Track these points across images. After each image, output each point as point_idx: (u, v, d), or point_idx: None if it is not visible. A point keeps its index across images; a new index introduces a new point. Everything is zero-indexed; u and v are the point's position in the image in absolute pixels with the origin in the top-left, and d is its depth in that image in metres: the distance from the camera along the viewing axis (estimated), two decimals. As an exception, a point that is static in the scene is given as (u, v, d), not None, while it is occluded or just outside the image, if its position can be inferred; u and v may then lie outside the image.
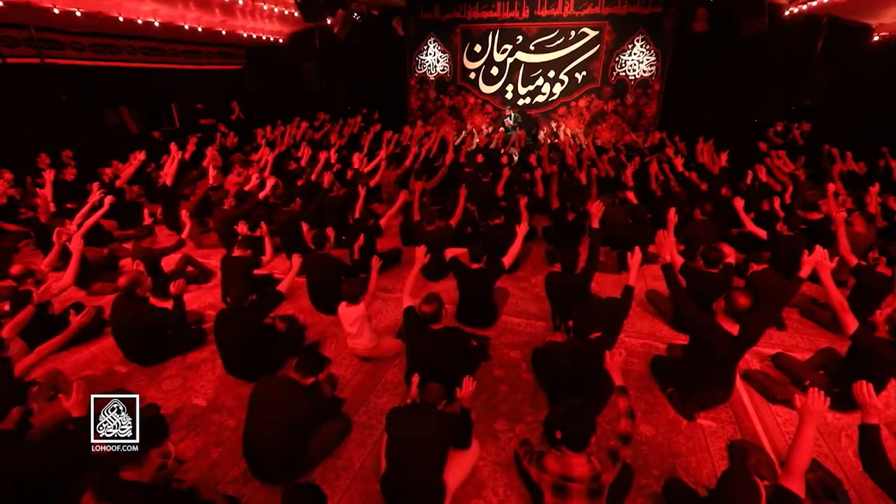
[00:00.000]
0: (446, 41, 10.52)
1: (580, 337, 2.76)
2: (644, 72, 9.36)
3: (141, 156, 6.82)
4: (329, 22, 9.09)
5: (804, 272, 2.88)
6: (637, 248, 3.13)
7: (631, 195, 5.36)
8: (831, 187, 4.97)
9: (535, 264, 5.26)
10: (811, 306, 4.14)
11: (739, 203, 4.58)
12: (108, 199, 4.62)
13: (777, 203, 5.08)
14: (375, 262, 3.42)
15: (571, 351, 2.73)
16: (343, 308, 3.35)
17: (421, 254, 3.30)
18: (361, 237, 4.21)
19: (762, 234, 4.45)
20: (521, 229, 3.94)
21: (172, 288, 3.39)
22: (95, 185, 5.51)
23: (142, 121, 9.76)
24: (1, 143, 6.99)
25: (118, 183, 6.24)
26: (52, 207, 5.10)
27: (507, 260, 3.76)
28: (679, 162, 6.36)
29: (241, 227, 4.24)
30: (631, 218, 5.02)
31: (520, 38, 9.88)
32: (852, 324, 2.70)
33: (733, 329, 2.68)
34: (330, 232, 4.32)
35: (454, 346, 2.86)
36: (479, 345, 3.52)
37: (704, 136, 7.71)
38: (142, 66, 9.32)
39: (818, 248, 2.90)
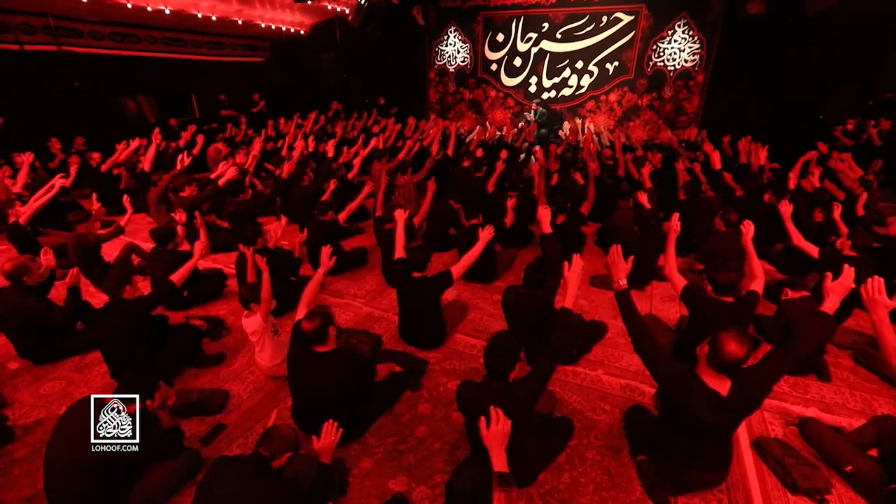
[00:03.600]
0: (467, 30, 9.86)
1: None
2: (686, 61, 8.17)
3: (135, 143, 6.75)
4: (328, 6, 8.71)
5: (828, 305, 1.97)
6: (576, 256, 2.45)
7: (643, 198, 4.43)
8: None
9: (519, 274, 4.45)
10: (870, 351, 3.08)
11: (787, 209, 3.57)
12: (60, 183, 4.40)
13: (837, 213, 4.00)
14: (261, 262, 2.82)
15: (489, 396, 2.00)
16: (244, 317, 2.81)
17: (325, 256, 2.67)
18: (305, 232, 3.65)
19: (814, 250, 3.45)
20: (484, 234, 3.28)
21: (68, 278, 3.00)
22: (73, 170, 5.39)
23: (160, 110, 9.89)
24: (18, 128, 7.19)
25: (103, 168, 6.14)
26: (18, 189, 4.98)
27: (457, 269, 3.04)
28: (716, 157, 5.23)
29: (179, 216, 3.83)
30: (637, 224, 4.13)
31: (545, 25, 9.02)
32: (920, 393, 1.78)
33: (723, 386, 1.84)
34: (275, 227, 3.82)
35: (344, 377, 2.20)
36: (409, 370, 2.84)
37: (753, 135, 6.51)
38: (162, 56, 9.41)
39: (847, 268, 2.00)
